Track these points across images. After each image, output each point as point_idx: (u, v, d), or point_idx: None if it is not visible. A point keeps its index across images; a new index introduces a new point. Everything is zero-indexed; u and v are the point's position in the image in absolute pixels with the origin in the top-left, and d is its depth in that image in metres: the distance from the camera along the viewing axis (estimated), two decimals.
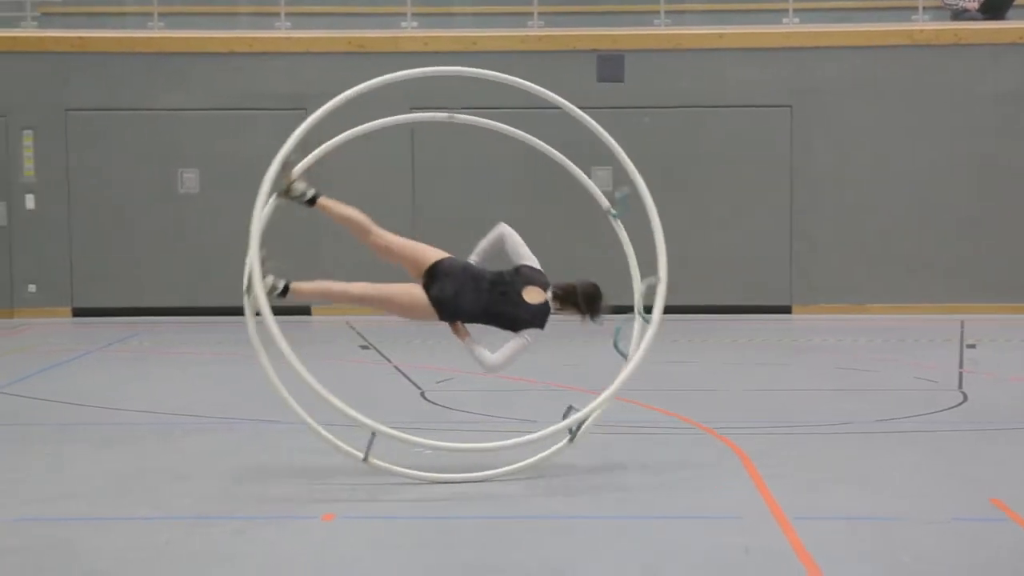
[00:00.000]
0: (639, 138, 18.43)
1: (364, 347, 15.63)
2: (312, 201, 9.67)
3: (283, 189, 9.54)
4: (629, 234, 9.84)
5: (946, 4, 19.20)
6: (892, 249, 18.63)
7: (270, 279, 9.34)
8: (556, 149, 18.59)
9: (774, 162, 18.64)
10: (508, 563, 7.28)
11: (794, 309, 18.78)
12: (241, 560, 7.36)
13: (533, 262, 9.79)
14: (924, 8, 19.24)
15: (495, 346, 9.27)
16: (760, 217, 18.69)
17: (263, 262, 9.20)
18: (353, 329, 16.97)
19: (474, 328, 9.40)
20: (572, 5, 19.82)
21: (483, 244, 9.92)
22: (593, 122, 9.76)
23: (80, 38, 18.80)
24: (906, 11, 19.37)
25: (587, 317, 9.56)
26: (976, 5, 18.99)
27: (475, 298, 9.42)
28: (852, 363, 14.59)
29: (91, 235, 18.55)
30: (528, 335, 9.35)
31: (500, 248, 9.81)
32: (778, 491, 8.81)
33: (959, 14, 19.03)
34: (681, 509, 8.50)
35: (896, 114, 18.54)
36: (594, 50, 18.63)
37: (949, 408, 11.72)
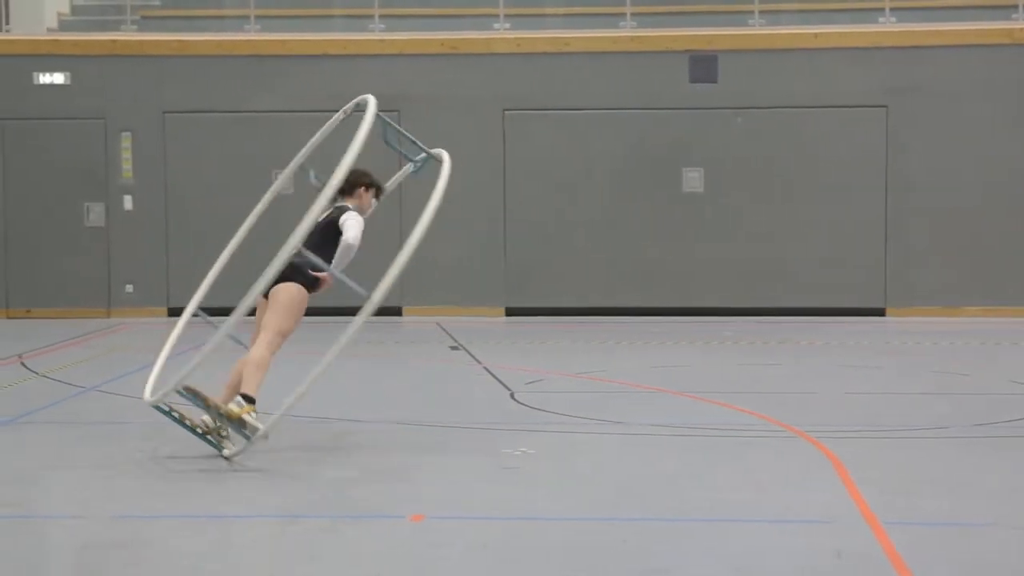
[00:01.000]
0: (732, 139, 18.35)
1: (454, 348, 15.64)
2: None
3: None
4: None
5: None
6: (987, 251, 18.38)
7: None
8: (650, 147, 18.50)
9: (869, 163, 18.45)
10: (600, 566, 7.26)
11: (888, 311, 18.57)
12: (325, 559, 7.39)
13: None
14: None
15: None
16: (854, 218, 18.51)
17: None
18: (443, 330, 17.00)
19: None
20: (665, 5, 19.77)
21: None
22: None
23: (178, 41, 19.00)
24: (1006, 10, 19.10)
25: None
26: None
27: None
28: (947, 366, 14.41)
29: (187, 236, 18.72)
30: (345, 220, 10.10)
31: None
32: (870, 495, 8.72)
33: None
34: (772, 513, 8.44)
35: (994, 115, 18.29)
36: (687, 51, 18.56)
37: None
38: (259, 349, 10.02)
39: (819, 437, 10.44)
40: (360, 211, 10.29)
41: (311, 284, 10.17)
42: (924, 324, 18.01)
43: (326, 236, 10.10)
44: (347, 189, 10.28)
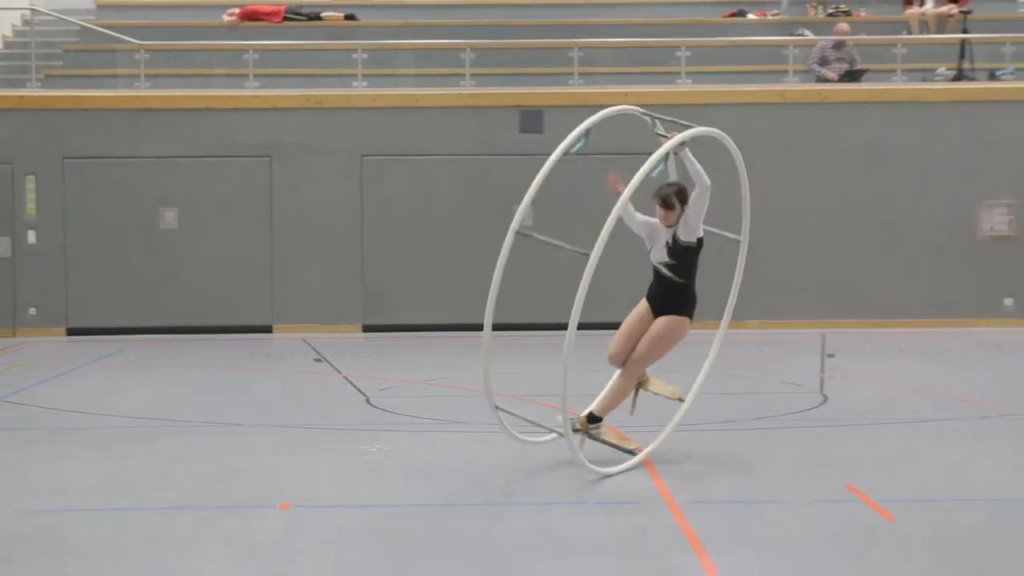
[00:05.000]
0: (556, 181, 18.48)
1: (317, 360, 15.55)
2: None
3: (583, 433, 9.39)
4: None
5: (812, 70, 19.44)
6: (764, 272, 18.74)
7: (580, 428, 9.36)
8: (486, 188, 18.66)
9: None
10: (445, 546, 7.29)
11: None
12: (205, 546, 7.32)
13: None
14: (793, 72, 19.48)
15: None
16: None
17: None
18: (309, 345, 16.89)
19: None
20: (499, 67, 19.89)
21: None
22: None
23: (77, 96, 18.67)
24: (778, 74, 19.58)
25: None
26: (836, 77, 19.25)
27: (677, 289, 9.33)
28: (731, 370, 14.66)
29: (84, 265, 18.40)
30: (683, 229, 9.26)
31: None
32: (669, 480, 8.87)
33: (823, 79, 19.27)
34: (589, 497, 8.54)
35: (772, 160, 18.67)
36: (518, 106, 18.69)
37: (812, 408, 11.84)
38: (624, 380, 9.45)
39: (627, 432, 10.56)
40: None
41: (687, 311, 9.33)
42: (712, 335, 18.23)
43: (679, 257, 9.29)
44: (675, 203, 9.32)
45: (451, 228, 18.58)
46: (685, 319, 9.34)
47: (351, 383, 13.60)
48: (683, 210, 9.26)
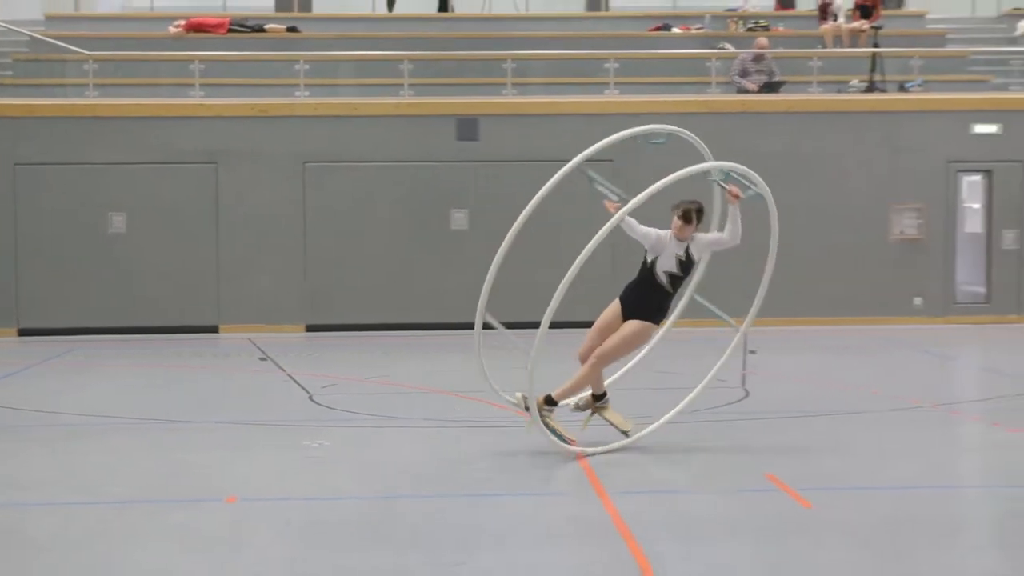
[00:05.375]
0: (491, 186, 18.55)
1: (262, 359, 15.44)
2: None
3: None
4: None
5: (733, 81, 19.59)
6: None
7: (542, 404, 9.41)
8: (424, 193, 18.75)
9: (598, 205, 18.71)
10: (384, 535, 7.26)
11: None
12: (154, 538, 7.26)
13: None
14: (716, 83, 19.63)
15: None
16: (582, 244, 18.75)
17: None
18: (254, 344, 16.78)
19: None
20: (436, 78, 19.88)
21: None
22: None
23: (28, 105, 18.42)
24: (702, 85, 19.72)
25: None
26: (756, 88, 19.41)
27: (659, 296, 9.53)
28: (664, 367, 14.69)
29: (34, 267, 18.16)
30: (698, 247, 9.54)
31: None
32: (600, 470, 8.90)
33: (744, 90, 19.43)
34: (523, 488, 8.56)
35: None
36: (454, 115, 18.68)
37: (735, 402, 11.92)
38: (588, 369, 9.56)
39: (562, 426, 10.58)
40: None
41: (655, 317, 9.55)
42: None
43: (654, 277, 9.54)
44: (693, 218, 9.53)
45: (390, 231, 18.54)
46: (653, 326, 9.59)
47: (294, 381, 13.53)
48: (696, 228, 9.51)
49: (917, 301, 19.00)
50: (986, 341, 17.06)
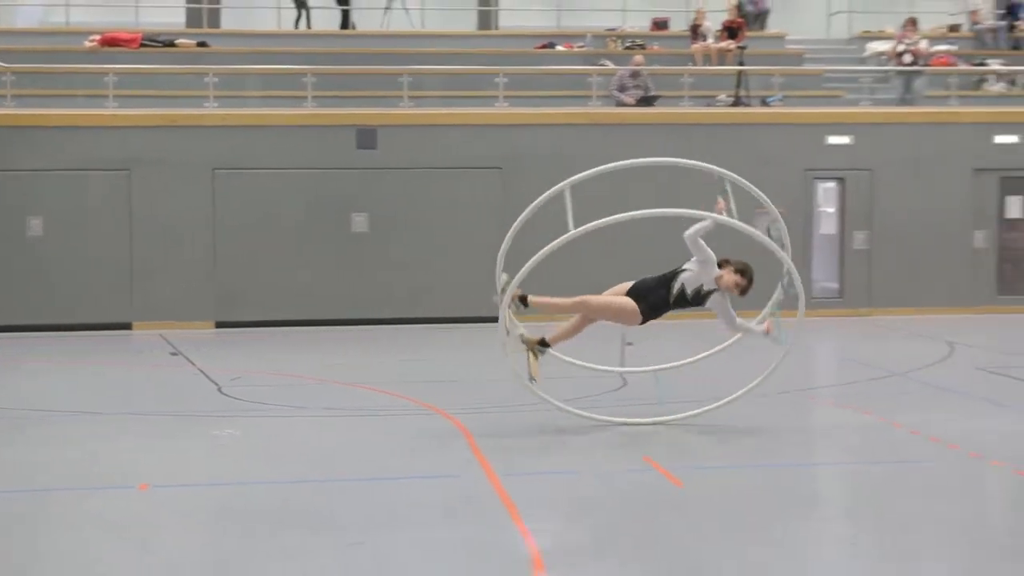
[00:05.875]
0: (388, 192, 18.52)
1: (173, 354, 15.24)
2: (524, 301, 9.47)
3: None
4: None
5: (613, 96, 19.78)
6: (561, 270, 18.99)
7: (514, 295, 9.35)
8: (326, 198, 18.69)
9: (488, 210, 18.71)
10: (291, 519, 7.23)
11: None
12: (74, 525, 7.15)
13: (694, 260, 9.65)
14: (597, 97, 19.81)
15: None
16: (476, 249, 18.77)
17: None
18: (166, 340, 16.56)
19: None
20: (337, 90, 19.76)
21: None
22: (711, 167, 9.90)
23: None
24: (584, 99, 19.89)
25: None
26: (633, 102, 19.63)
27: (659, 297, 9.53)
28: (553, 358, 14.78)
29: None
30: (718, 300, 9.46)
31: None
32: (489, 454, 8.96)
33: (622, 104, 19.63)
34: (418, 471, 8.59)
35: (572, 172, 18.85)
36: (354, 125, 18.60)
37: (614, 391, 12.03)
38: (569, 304, 9.60)
39: (452, 412, 10.65)
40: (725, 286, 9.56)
41: (646, 312, 9.52)
42: (534, 327, 18.34)
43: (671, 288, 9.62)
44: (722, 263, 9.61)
45: (295, 234, 18.40)
46: (638, 316, 9.54)
47: (204, 374, 13.39)
48: (731, 293, 9.54)
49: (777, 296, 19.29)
50: (840, 333, 17.45)
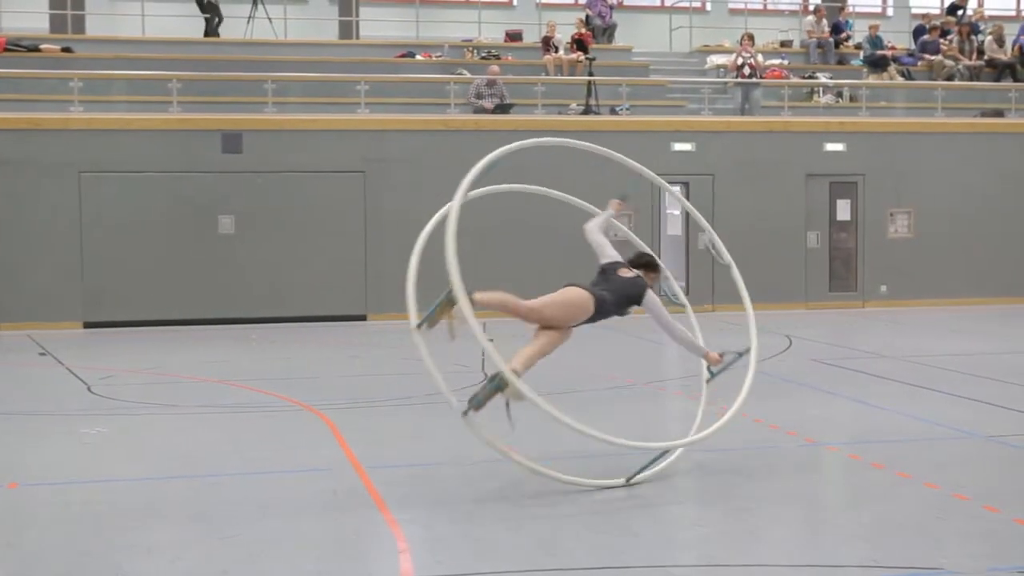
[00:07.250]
0: (254, 194, 18.23)
1: (42, 354, 14.73)
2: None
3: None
4: None
5: (470, 103, 19.80)
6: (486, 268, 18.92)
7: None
8: (193, 200, 18.29)
9: (352, 211, 18.67)
10: (162, 514, 7.03)
11: (369, 317, 18.72)
12: None
13: (612, 256, 8.66)
14: (455, 104, 19.80)
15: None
16: (340, 249, 18.64)
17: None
18: (34, 340, 16.00)
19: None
20: (203, 96, 19.36)
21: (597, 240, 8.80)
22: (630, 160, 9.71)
23: None
24: (442, 106, 19.86)
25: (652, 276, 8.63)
26: (490, 108, 19.68)
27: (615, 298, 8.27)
28: (411, 355, 14.71)
29: None
30: (651, 297, 8.38)
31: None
32: (356, 448, 8.88)
33: (480, 110, 19.66)
34: (289, 465, 8.46)
35: (437, 178, 18.84)
36: (220, 130, 18.25)
37: (478, 384, 11.98)
38: (513, 299, 8.10)
39: (320, 408, 10.53)
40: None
41: (600, 307, 8.15)
42: (395, 325, 18.32)
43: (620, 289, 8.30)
44: (653, 267, 8.70)
45: (163, 235, 17.98)
46: (589, 313, 8.24)
47: (73, 374, 12.97)
48: (650, 286, 8.54)
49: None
50: (686, 328, 17.69)
